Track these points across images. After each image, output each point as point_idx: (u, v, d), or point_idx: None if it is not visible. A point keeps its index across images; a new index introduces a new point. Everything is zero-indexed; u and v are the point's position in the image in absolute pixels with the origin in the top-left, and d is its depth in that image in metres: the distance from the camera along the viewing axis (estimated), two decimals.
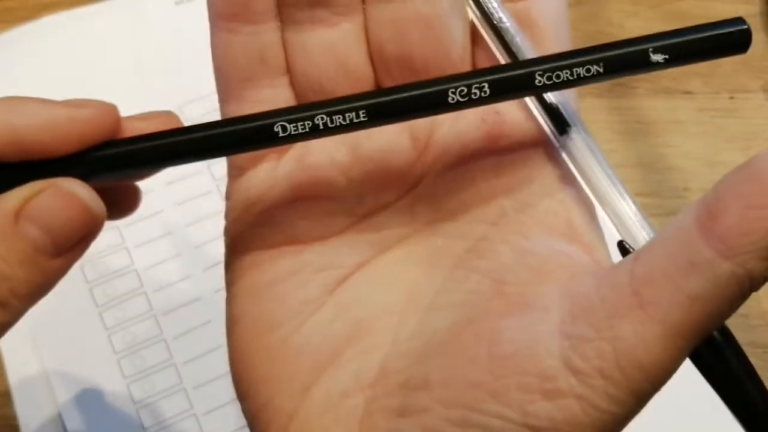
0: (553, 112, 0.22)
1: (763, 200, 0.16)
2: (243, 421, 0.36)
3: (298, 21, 0.22)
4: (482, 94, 0.20)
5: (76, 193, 0.20)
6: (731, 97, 0.45)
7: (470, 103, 0.21)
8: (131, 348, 0.38)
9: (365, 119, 0.20)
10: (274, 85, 0.23)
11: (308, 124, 0.20)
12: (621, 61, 0.20)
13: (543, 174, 0.22)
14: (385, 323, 0.22)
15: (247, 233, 0.23)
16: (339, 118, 0.20)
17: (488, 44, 0.23)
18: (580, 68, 0.20)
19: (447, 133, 0.22)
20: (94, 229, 0.21)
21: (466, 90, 0.20)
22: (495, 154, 0.22)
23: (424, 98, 0.21)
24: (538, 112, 0.22)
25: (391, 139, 0.23)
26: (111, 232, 0.41)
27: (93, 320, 0.38)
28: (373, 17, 0.22)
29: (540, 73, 0.20)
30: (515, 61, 0.22)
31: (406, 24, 0.22)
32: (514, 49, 0.22)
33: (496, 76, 0.20)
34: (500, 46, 0.22)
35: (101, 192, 0.21)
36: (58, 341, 0.38)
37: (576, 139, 0.21)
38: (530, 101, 0.22)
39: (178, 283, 0.39)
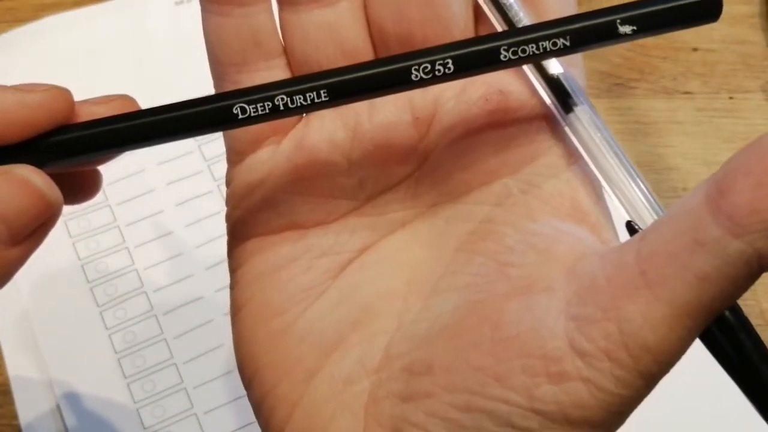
0: (558, 90, 0.21)
1: None
2: (243, 421, 0.36)
3: (295, 2, 0.22)
4: (446, 70, 0.20)
5: (30, 180, 0.20)
6: (730, 97, 0.45)
7: (435, 79, 0.20)
8: (132, 348, 0.38)
9: (327, 99, 0.20)
10: (270, 68, 0.22)
11: (268, 105, 0.20)
12: (588, 33, 0.20)
13: (548, 153, 0.21)
14: (389, 308, 0.22)
15: (248, 219, 0.23)
16: (300, 98, 0.20)
17: (491, 21, 0.22)
18: (546, 42, 0.20)
19: (450, 113, 0.22)
20: (51, 216, 0.20)
21: (429, 66, 0.20)
22: (499, 134, 0.22)
23: (386, 76, 0.20)
24: (543, 90, 0.21)
25: (392, 120, 0.22)
26: (111, 231, 0.41)
27: (93, 320, 0.38)
28: None
29: (505, 48, 0.20)
30: (480, 36, 0.21)
31: (405, 2, 0.22)
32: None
33: (460, 52, 0.20)
34: (503, 23, 0.22)
35: (59, 178, 0.20)
36: (58, 341, 0.38)
37: (582, 117, 0.21)
38: (535, 80, 0.22)
39: (179, 283, 0.39)
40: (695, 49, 0.46)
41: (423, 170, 0.23)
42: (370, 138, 0.22)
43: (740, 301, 0.40)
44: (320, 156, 0.22)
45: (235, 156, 0.23)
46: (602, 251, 0.19)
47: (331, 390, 0.21)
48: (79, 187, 0.24)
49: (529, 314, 0.19)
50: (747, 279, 0.16)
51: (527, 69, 0.22)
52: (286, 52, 0.23)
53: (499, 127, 0.22)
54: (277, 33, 0.22)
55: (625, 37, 0.20)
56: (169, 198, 0.42)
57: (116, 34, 0.47)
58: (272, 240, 0.23)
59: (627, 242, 0.18)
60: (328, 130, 0.22)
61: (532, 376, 0.18)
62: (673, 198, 0.42)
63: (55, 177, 0.20)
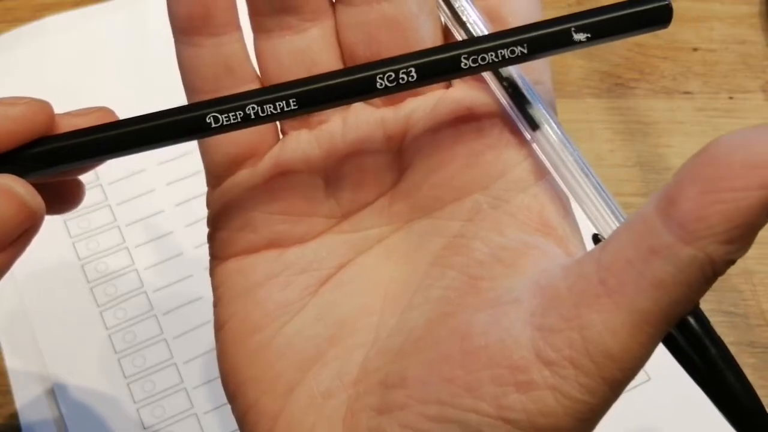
0: (525, 109, 0.22)
1: (719, 184, 0.16)
2: None
3: (268, 29, 0.23)
4: (410, 78, 0.21)
5: (13, 189, 0.20)
6: (730, 97, 0.45)
7: (399, 87, 0.21)
8: (132, 347, 0.38)
9: (296, 107, 0.21)
10: None
11: (240, 114, 0.21)
12: (544, 41, 0.21)
13: (517, 169, 0.22)
14: (366, 323, 0.22)
15: (229, 239, 0.23)
16: (270, 107, 0.21)
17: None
18: (505, 50, 0.21)
19: (421, 130, 0.23)
20: (33, 224, 0.21)
21: (393, 75, 0.21)
22: (469, 150, 0.22)
23: (352, 85, 0.21)
24: (511, 108, 0.22)
25: (365, 140, 0.23)
26: (111, 231, 0.41)
27: (94, 320, 0.38)
28: (342, 21, 0.23)
29: (465, 56, 0.21)
30: (441, 45, 0.22)
31: (373, 26, 0.22)
32: None
33: (422, 61, 0.21)
34: None
35: (41, 188, 0.21)
36: (58, 341, 0.38)
37: (548, 133, 0.22)
38: (503, 98, 0.22)
39: (178, 283, 0.39)
40: (695, 49, 0.46)
41: (397, 187, 0.23)
42: (345, 157, 0.23)
43: (741, 301, 0.41)
44: (296, 176, 0.23)
45: (213, 180, 0.24)
46: (566, 262, 0.20)
47: (310, 404, 0.22)
48: (62, 196, 0.25)
49: (497, 325, 0.19)
50: (702, 284, 0.17)
51: (495, 88, 0.22)
52: (261, 77, 0.23)
53: (468, 143, 0.22)
54: (249, 60, 0.23)
55: (581, 44, 0.21)
56: (169, 198, 0.42)
57: (116, 34, 0.47)
58: (252, 258, 0.23)
59: (588, 252, 0.19)
60: (303, 150, 0.23)
61: (500, 385, 0.18)
62: None
63: (37, 187, 0.21)
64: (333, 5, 0.23)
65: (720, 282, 0.42)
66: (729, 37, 0.47)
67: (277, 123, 0.24)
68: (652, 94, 0.46)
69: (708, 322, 0.19)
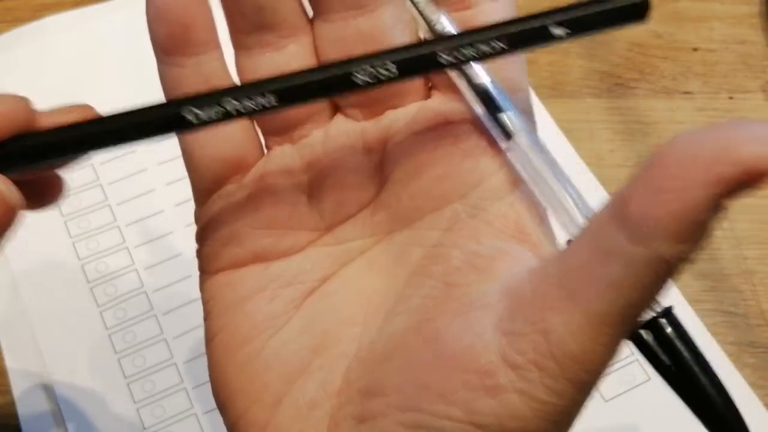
0: (498, 118, 0.22)
1: (665, 184, 0.16)
2: None
3: (247, 46, 0.23)
4: (389, 74, 0.21)
5: None
6: (730, 97, 0.45)
7: (378, 83, 0.21)
8: (132, 348, 0.38)
9: (276, 103, 0.21)
10: None
11: (220, 110, 0.21)
12: (523, 36, 0.21)
13: (493, 178, 0.22)
14: (350, 333, 0.23)
15: (216, 254, 0.24)
16: (250, 103, 0.21)
17: None
18: (484, 45, 0.21)
19: (400, 142, 0.23)
20: (10, 219, 0.21)
21: (372, 71, 0.21)
22: (447, 160, 0.23)
23: (331, 80, 0.21)
24: (487, 118, 0.22)
25: (345, 151, 0.23)
26: (111, 231, 0.41)
27: (94, 320, 0.38)
28: (319, 37, 0.23)
29: (446, 51, 0.21)
30: (420, 41, 0.23)
31: (350, 41, 0.22)
32: None
33: (400, 57, 0.21)
34: None
35: (21, 184, 0.21)
36: (58, 341, 0.38)
37: (522, 142, 0.22)
38: (478, 108, 0.22)
39: (178, 283, 0.39)
40: (695, 49, 0.46)
41: (378, 199, 0.24)
42: (327, 169, 0.23)
43: (741, 301, 0.40)
44: (280, 190, 0.23)
45: (200, 196, 0.24)
46: (532, 266, 0.20)
47: (296, 414, 0.22)
48: (42, 192, 0.25)
49: (470, 331, 0.19)
50: (658, 283, 0.17)
51: (470, 97, 0.22)
52: None
53: (446, 153, 0.23)
54: (231, 77, 0.23)
55: (559, 39, 0.21)
56: (169, 198, 0.42)
57: (116, 34, 0.47)
58: (239, 273, 0.24)
59: (552, 256, 0.19)
60: (286, 164, 0.23)
61: (470, 390, 0.19)
62: None
63: (17, 183, 0.21)
64: (310, 22, 0.23)
65: (720, 282, 0.42)
66: (729, 37, 0.47)
67: (262, 139, 0.24)
68: (652, 94, 0.46)
69: (680, 323, 0.19)
